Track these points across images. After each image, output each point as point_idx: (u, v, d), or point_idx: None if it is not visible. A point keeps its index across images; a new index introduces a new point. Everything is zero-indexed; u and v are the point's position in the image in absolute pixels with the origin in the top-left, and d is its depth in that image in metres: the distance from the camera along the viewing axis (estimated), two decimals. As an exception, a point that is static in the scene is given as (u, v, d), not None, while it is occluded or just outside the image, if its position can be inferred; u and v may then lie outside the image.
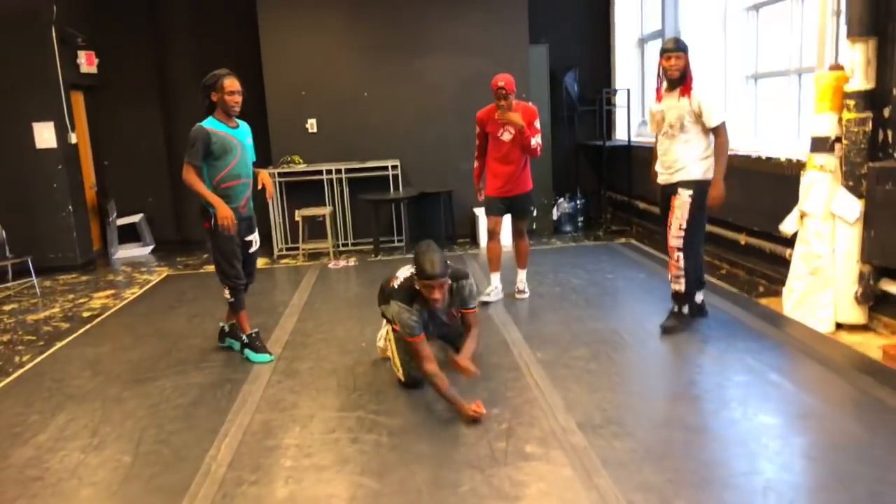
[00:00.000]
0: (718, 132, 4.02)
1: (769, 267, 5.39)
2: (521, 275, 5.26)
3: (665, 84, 4.08)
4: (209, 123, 3.92)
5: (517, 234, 5.23)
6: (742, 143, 5.93)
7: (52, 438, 3.28)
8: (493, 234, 5.11)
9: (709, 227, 6.24)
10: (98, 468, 2.97)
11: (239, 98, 3.93)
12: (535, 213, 5.18)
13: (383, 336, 3.94)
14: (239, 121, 4.08)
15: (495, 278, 5.20)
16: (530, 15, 7.90)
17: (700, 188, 4.04)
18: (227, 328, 4.40)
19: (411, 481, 2.70)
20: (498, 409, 3.27)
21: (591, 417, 3.14)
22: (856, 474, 2.57)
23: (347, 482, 2.72)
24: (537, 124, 4.89)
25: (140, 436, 3.25)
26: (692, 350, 3.98)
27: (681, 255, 4.11)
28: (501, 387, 3.56)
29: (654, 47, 8.07)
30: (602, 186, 8.73)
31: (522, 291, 5.22)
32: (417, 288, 3.33)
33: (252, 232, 4.24)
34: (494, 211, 5.09)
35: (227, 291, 4.17)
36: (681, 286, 4.17)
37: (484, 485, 2.63)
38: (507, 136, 4.88)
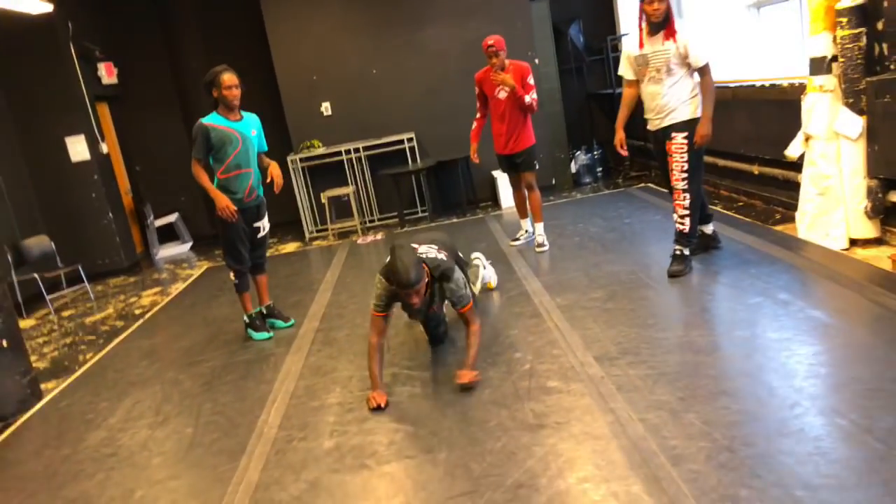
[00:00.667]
0: (704, 71, 4.09)
1: (784, 193, 5.45)
2: (539, 228, 5.45)
3: (647, 28, 4.10)
4: (209, 118, 4.15)
5: (527, 187, 5.43)
6: (746, 73, 5.95)
7: (121, 420, 3.63)
8: (515, 186, 5.53)
9: (722, 161, 6.37)
10: (165, 440, 3.30)
11: (237, 92, 4.12)
12: (536, 167, 5.34)
13: None
14: (246, 113, 4.30)
15: (525, 223, 5.65)
16: (528, -29, 7.93)
17: (693, 128, 4.12)
18: (263, 310, 4.68)
19: (443, 422, 2.95)
20: (520, 353, 3.50)
21: (607, 351, 3.34)
22: (856, 376, 2.73)
23: (386, 429, 2.99)
24: (531, 80, 5.07)
25: (198, 410, 3.58)
26: (706, 280, 4.13)
27: (687, 195, 4.21)
28: (524, 332, 3.78)
29: (656, -12, 8.02)
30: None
31: (542, 245, 5.41)
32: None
33: (260, 218, 4.47)
34: (505, 167, 5.44)
35: (231, 274, 4.46)
36: (685, 226, 4.25)
37: (509, 419, 2.87)
38: (503, 95, 5.11)
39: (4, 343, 3.93)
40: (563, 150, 8.26)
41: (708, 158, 6.64)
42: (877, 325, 3.22)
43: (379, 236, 7.32)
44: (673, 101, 4.13)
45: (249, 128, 4.29)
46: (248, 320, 4.56)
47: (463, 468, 2.58)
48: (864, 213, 4.33)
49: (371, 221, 8.22)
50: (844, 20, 4.17)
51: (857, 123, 4.22)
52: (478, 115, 5.39)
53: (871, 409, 2.48)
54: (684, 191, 4.21)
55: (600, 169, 8.61)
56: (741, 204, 6.06)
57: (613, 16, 8.86)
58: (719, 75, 6.57)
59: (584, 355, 3.34)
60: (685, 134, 4.13)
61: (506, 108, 5.13)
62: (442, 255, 3.42)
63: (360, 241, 7.26)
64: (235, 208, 4.21)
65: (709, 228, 4.53)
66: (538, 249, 5.39)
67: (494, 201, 8.00)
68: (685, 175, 4.18)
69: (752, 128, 5.74)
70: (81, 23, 7.72)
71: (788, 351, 3.02)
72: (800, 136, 4.63)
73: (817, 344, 3.07)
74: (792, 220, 4.99)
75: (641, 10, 4.07)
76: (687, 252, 4.31)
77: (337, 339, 4.28)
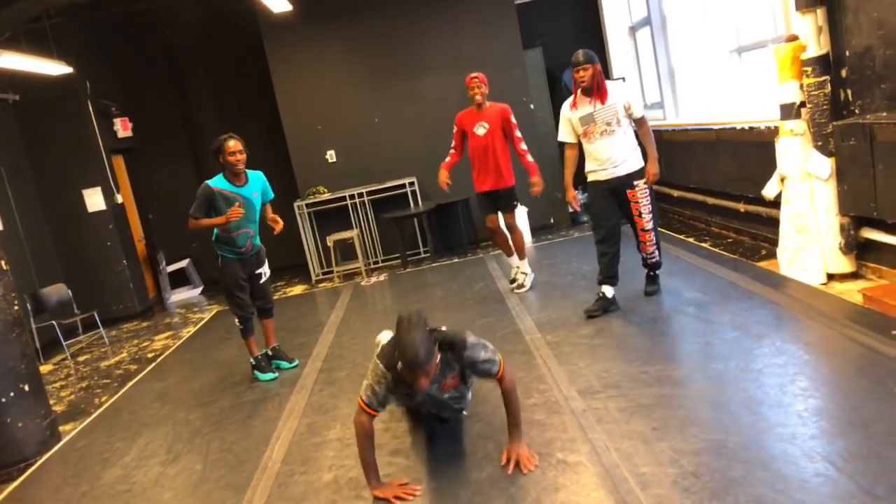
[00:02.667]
0: (642, 122, 4.59)
1: (769, 230, 5.67)
2: (524, 264, 5.68)
3: (580, 92, 4.53)
4: (216, 182, 4.43)
5: (509, 228, 5.57)
6: (730, 115, 6.23)
7: (135, 458, 3.85)
8: (493, 231, 5.63)
9: (711, 199, 6.62)
10: (176, 476, 3.52)
11: (241, 157, 4.39)
12: (516, 206, 5.56)
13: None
14: (251, 172, 4.56)
15: (513, 260, 5.73)
16: (523, 21, 8.35)
17: (644, 173, 4.59)
18: (269, 352, 4.91)
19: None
20: (510, 389, 3.70)
21: (590, 385, 3.55)
22: (821, 406, 2.93)
23: (382, 461, 3.18)
24: (513, 119, 5.37)
25: (207, 448, 3.80)
26: (686, 317, 4.34)
27: (653, 233, 4.67)
28: (514, 369, 3.97)
29: (645, 34, 8.42)
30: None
31: (523, 286, 5.62)
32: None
33: (261, 265, 4.75)
34: (486, 208, 5.57)
35: (236, 320, 4.73)
36: (656, 257, 4.75)
37: (495, 451, 3.06)
38: (481, 131, 5.33)
39: (26, 388, 4.18)
40: (560, 189, 8.54)
41: (698, 196, 6.95)
42: (843, 357, 3.41)
43: (382, 277, 7.58)
44: (625, 151, 4.54)
45: (252, 191, 4.55)
46: (254, 362, 4.80)
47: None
48: (838, 249, 4.54)
49: (375, 263, 8.49)
50: (810, 69, 4.45)
51: (826, 165, 4.47)
52: (452, 151, 5.57)
53: (832, 436, 2.67)
54: (651, 231, 4.65)
55: (597, 208, 8.84)
56: (730, 240, 6.29)
57: (606, 60, 9.24)
58: (705, 118, 6.90)
59: (569, 390, 3.54)
60: (644, 180, 4.56)
61: (487, 143, 5.31)
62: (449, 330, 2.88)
63: (364, 282, 7.52)
64: (243, 211, 4.40)
65: (609, 292, 4.70)
66: (519, 292, 5.60)
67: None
68: (650, 216, 4.63)
69: (736, 167, 6.00)
70: (98, 82, 8.17)
71: (757, 382, 3.22)
72: (775, 177, 4.89)
73: (785, 377, 3.26)
74: (776, 255, 5.20)
75: (573, 77, 4.53)
76: (658, 274, 4.86)
77: (338, 378, 4.51)
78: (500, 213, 5.60)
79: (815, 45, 4.42)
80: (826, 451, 2.57)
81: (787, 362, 3.39)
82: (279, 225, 4.64)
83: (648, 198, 4.58)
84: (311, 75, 8.29)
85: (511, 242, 5.64)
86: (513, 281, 5.78)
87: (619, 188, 4.58)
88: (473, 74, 5.38)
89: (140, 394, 5.14)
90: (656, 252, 4.71)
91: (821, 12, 4.41)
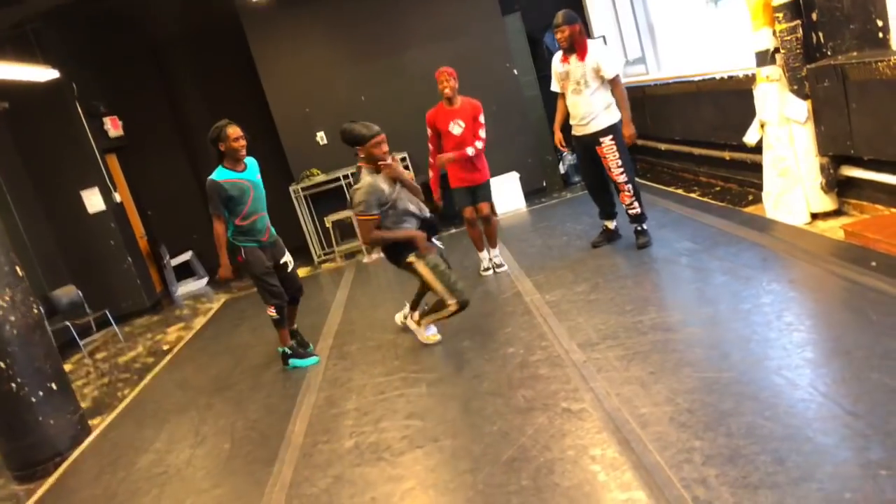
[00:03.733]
0: (615, 82, 4.76)
1: (755, 175, 5.81)
2: (494, 252, 5.55)
3: (563, 51, 4.79)
4: (219, 175, 4.38)
5: (485, 219, 5.36)
6: (709, 65, 6.34)
7: (165, 443, 4.07)
8: (471, 222, 5.37)
9: (697, 150, 6.76)
10: (206, 456, 3.73)
11: (243, 142, 4.40)
12: (492, 199, 5.38)
13: (402, 314, 4.71)
14: (246, 160, 4.53)
15: (483, 255, 5.59)
16: (499, -14, 8.37)
17: (614, 129, 4.82)
18: (287, 351, 4.79)
19: (447, 414, 3.36)
20: (513, 348, 3.90)
21: (589, 338, 3.74)
22: (805, 338, 3.12)
23: (398, 426, 3.40)
24: (482, 118, 5.14)
25: (232, 428, 4.01)
26: (677, 266, 4.52)
27: (629, 185, 4.89)
28: (516, 329, 4.18)
29: (622, -10, 8.45)
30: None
31: (500, 265, 5.53)
32: (369, 164, 4.01)
33: (283, 254, 4.75)
34: (464, 201, 5.29)
35: (272, 310, 4.59)
36: (636, 208, 4.96)
37: (503, 406, 3.27)
38: (457, 130, 5.09)
39: (53, 386, 4.38)
40: (550, 152, 8.67)
41: (684, 148, 7.07)
42: (826, 291, 3.60)
43: (383, 254, 7.72)
44: (594, 110, 4.76)
45: (254, 174, 4.57)
46: (290, 351, 4.72)
47: (465, 451, 2.99)
48: (820, 189, 4.70)
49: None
50: (781, 15, 4.55)
51: (802, 108, 4.60)
52: (431, 152, 5.27)
53: (815, 365, 2.87)
54: (625, 182, 4.89)
55: (587, 167, 8.98)
56: (718, 188, 6.44)
57: (586, 20, 9.27)
58: (686, 70, 7.00)
59: (570, 344, 3.73)
60: (610, 136, 4.80)
61: (463, 142, 5.08)
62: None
63: (365, 260, 7.68)
64: (233, 276, 4.53)
65: (611, 225, 5.24)
66: (498, 270, 5.51)
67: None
68: (621, 170, 4.86)
69: (719, 116, 6.12)
70: (85, 83, 8.23)
71: (746, 321, 3.41)
72: (755, 124, 5.02)
73: (771, 314, 3.44)
74: (762, 200, 5.36)
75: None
76: (645, 227, 5.03)
77: (350, 352, 4.70)
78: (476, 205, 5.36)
79: (785, -10, 4.52)
80: (810, 379, 2.76)
81: (773, 301, 3.57)
82: None
83: (616, 153, 4.82)
84: (295, 59, 8.34)
85: (484, 235, 5.49)
86: (486, 269, 5.56)
87: (589, 145, 4.90)
88: (442, 68, 5.11)
89: (161, 384, 5.34)
90: (636, 203, 4.94)
91: (788, -42, 4.50)
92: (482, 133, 5.13)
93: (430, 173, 5.31)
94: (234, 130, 4.37)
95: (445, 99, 5.16)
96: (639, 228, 5.05)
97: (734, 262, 4.21)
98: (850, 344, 2.94)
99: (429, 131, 5.25)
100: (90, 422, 4.84)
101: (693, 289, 4.08)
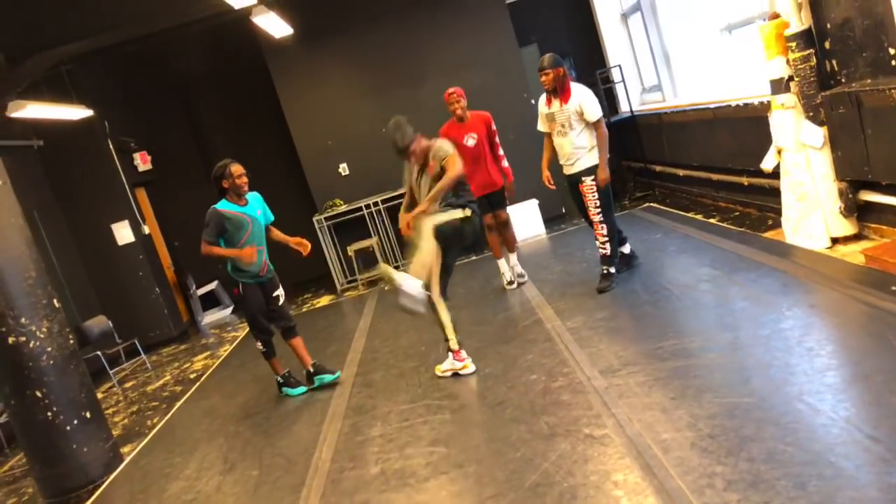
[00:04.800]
0: (598, 125, 4.94)
1: (773, 201, 5.84)
2: (513, 258, 5.89)
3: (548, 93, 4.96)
4: (223, 205, 4.60)
5: (502, 224, 5.77)
6: (724, 94, 6.41)
7: (195, 470, 4.16)
8: (490, 228, 5.77)
9: (715, 175, 6.80)
10: (235, 483, 3.81)
11: (246, 179, 4.64)
12: (508, 205, 5.86)
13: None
14: (249, 195, 4.75)
15: (502, 263, 5.94)
16: (517, 20, 8.57)
17: (595, 171, 4.98)
18: (311, 369, 4.98)
19: (471, 441, 3.42)
20: (535, 375, 3.95)
21: (610, 364, 3.78)
22: (825, 364, 3.14)
23: (423, 453, 3.46)
24: (494, 126, 5.58)
25: (260, 454, 4.09)
26: (697, 292, 4.55)
27: (604, 225, 5.03)
28: (538, 356, 4.23)
29: (637, 20, 8.60)
30: (618, 159, 9.25)
31: (521, 275, 5.86)
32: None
33: (277, 288, 4.94)
34: (484, 209, 5.55)
35: (259, 344, 4.91)
36: (606, 250, 5.09)
37: (527, 432, 3.32)
38: (471, 142, 5.49)
39: (87, 414, 4.50)
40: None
41: (702, 174, 7.13)
42: (846, 315, 3.62)
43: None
44: (578, 151, 4.94)
45: (255, 209, 4.76)
46: (281, 380, 5.00)
47: (489, 476, 3.04)
48: (839, 213, 4.73)
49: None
50: (794, 44, 4.64)
51: (818, 134, 4.66)
52: None
53: (836, 390, 2.89)
54: (601, 222, 5.05)
55: (606, 193, 9.05)
56: (737, 214, 6.47)
57: (601, 50, 9.44)
58: (702, 97, 7.08)
59: (591, 370, 3.78)
60: (592, 177, 4.98)
61: (479, 153, 5.48)
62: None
63: (388, 288, 7.77)
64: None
65: (626, 248, 5.35)
66: (520, 280, 5.85)
67: (509, 236, 8.49)
68: (599, 210, 5.02)
69: (735, 143, 6.18)
70: (116, 119, 8.53)
71: (766, 347, 3.44)
72: (772, 150, 5.08)
73: (792, 339, 3.47)
74: (782, 225, 5.38)
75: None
76: (613, 270, 5.13)
77: (374, 380, 4.78)
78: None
79: (797, 20, 4.60)
80: (831, 404, 2.79)
81: (793, 326, 3.60)
82: (306, 247, 4.89)
83: (595, 193, 4.98)
84: (317, 93, 8.57)
85: (503, 240, 5.84)
86: (510, 283, 5.90)
87: (574, 184, 5.10)
88: (451, 90, 5.51)
89: (189, 412, 5.45)
90: (607, 245, 5.06)
91: (800, -12, 4.59)
92: (497, 139, 5.56)
93: None
94: (237, 168, 4.63)
95: (457, 118, 5.53)
96: (604, 271, 5.12)
97: (754, 288, 4.24)
98: (870, 368, 2.96)
99: None
100: (121, 449, 4.95)
101: (713, 314, 4.11)
